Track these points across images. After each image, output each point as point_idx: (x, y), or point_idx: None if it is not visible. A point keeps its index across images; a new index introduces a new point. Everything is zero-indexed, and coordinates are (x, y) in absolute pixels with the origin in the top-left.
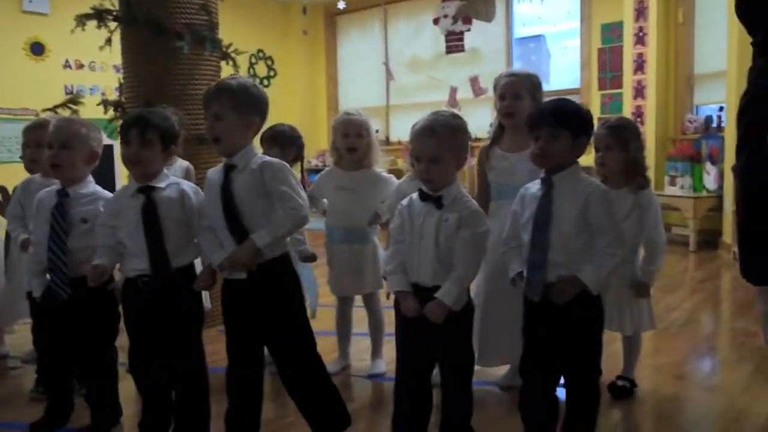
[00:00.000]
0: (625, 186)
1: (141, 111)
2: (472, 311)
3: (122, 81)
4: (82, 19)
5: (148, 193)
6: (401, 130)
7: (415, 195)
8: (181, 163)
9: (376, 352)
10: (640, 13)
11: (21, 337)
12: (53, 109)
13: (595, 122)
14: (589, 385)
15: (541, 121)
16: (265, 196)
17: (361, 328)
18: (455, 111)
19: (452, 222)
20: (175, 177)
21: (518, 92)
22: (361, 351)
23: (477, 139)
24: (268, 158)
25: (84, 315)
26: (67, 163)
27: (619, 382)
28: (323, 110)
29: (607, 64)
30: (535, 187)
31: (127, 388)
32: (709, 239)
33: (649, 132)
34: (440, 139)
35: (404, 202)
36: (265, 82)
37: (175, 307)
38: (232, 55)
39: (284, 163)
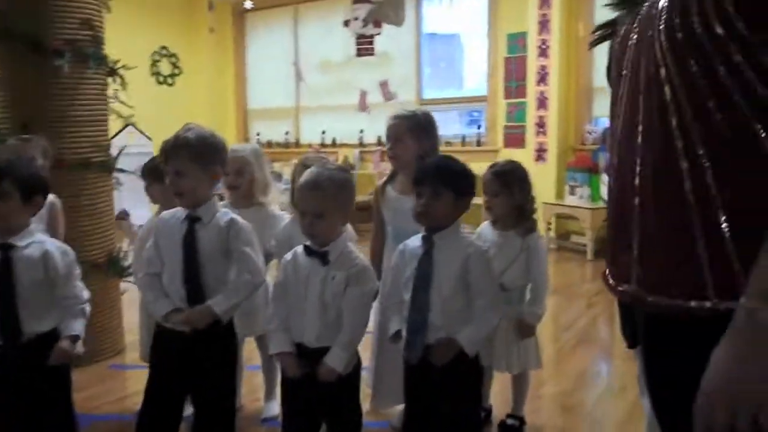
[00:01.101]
0: (513, 229)
1: None
2: (359, 368)
3: None
4: None
5: (5, 251)
6: (311, 132)
7: (300, 249)
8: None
9: (269, 393)
10: (543, 25)
11: None
12: None
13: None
14: None
15: (425, 179)
16: (227, 255)
17: (256, 362)
18: (341, 165)
19: (339, 280)
20: (40, 230)
21: (400, 136)
22: (255, 390)
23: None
24: (233, 216)
25: None
26: None
27: (509, 421)
28: (232, 110)
29: (513, 74)
30: (415, 243)
31: None
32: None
33: (551, 142)
34: (325, 194)
35: (288, 256)
36: (169, 80)
37: (32, 379)
38: (120, 71)
39: (248, 225)
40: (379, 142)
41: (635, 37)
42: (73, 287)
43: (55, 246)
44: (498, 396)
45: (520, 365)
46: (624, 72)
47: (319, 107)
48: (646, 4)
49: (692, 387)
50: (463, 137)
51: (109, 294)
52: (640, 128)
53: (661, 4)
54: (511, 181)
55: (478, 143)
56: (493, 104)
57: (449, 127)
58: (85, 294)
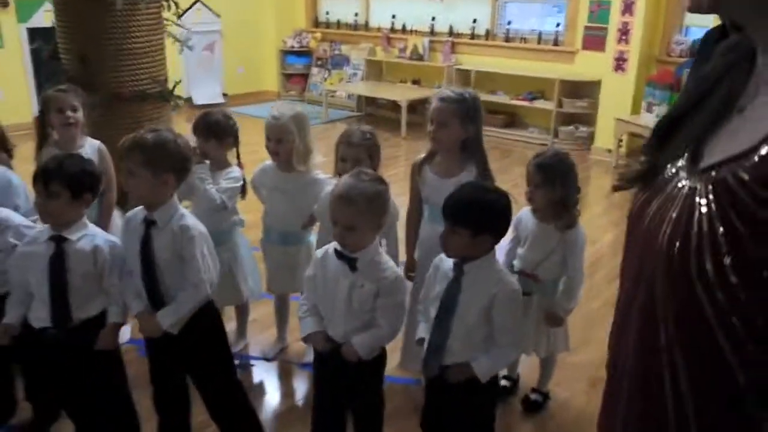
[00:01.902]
0: (552, 221)
1: (47, 162)
2: (384, 360)
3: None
4: None
5: (59, 243)
6: (381, 15)
7: (331, 249)
8: (92, 143)
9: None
10: None
11: None
12: None
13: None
14: None
15: (445, 210)
16: (181, 260)
17: None
18: (377, 174)
19: (368, 290)
20: (89, 227)
21: (446, 120)
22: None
23: (459, 35)
24: (187, 221)
25: None
26: None
27: (532, 396)
28: None
29: None
30: (449, 263)
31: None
32: None
33: (633, 51)
34: (357, 208)
35: (319, 253)
36: None
37: (84, 361)
38: None
39: (202, 230)
40: (451, 32)
41: (651, 213)
42: (117, 278)
43: (104, 239)
44: (525, 366)
45: (548, 349)
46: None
47: None
48: (666, 177)
49: None
50: (540, 34)
51: None
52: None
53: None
54: (553, 175)
55: (555, 42)
56: (575, 1)
57: (525, 21)
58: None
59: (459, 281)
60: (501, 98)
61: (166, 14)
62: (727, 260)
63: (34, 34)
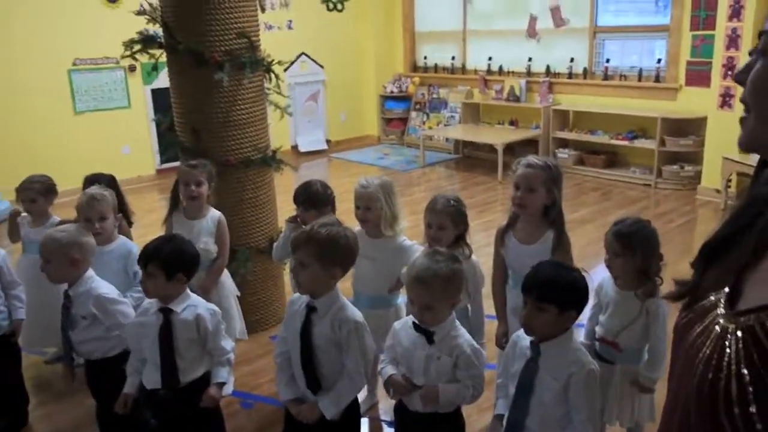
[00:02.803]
0: (634, 289)
1: (147, 245)
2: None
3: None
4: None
5: (166, 315)
6: (478, 58)
7: (409, 322)
8: (213, 214)
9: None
10: None
11: None
12: (131, 55)
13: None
14: None
15: (530, 289)
16: (338, 348)
17: None
18: (453, 254)
19: (446, 363)
20: (195, 300)
21: (534, 186)
22: None
23: (556, 74)
24: (347, 313)
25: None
26: (52, 275)
27: None
28: (399, 33)
29: (701, 2)
30: (526, 341)
31: None
32: None
33: (740, 87)
34: (433, 290)
35: (397, 325)
36: (339, 6)
37: (190, 418)
38: (273, 66)
39: (360, 321)
40: (548, 72)
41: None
42: (219, 341)
43: (205, 308)
44: None
45: (632, 419)
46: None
47: (486, 32)
48: (707, 304)
49: None
50: (640, 71)
51: (271, 272)
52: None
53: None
54: (633, 244)
55: (657, 79)
56: (676, 35)
57: (625, 58)
58: (229, 345)
59: (536, 361)
60: (600, 138)
61: (268, 84)
62: (753, 408)
63: (156, 94)
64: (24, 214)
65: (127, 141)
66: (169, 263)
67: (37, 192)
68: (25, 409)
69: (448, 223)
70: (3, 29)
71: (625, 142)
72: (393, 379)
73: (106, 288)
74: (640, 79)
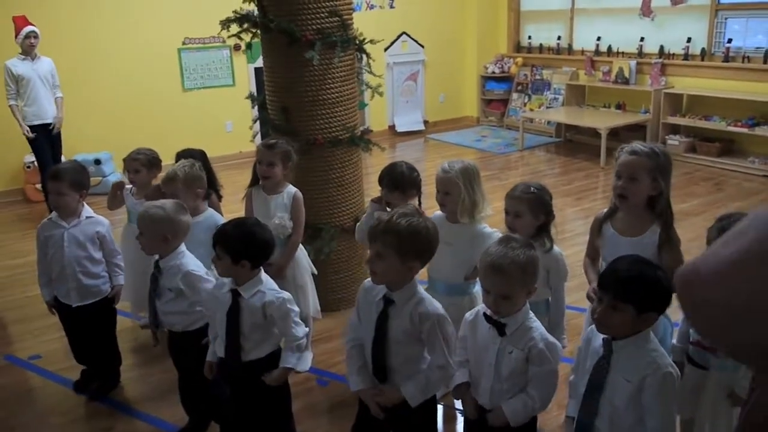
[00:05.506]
0: None
1: (220, 227)
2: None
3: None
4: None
5: (235, 297)
6: (585, 37)
7: (481, 313)
8: (289, 190)
9: None
10: None
11: None
12: (237, 34)
13: None
14: None
15: (607, 286)
16: (418, 343)
17: None
18: (527, 240)
19: (518, 357)
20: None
21: (636, 174)
22: None
23: (671, 55)
24: (426, 307)
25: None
26: (145, 247)
27: None
28: (503, 12)
29: None
30: (600, 338)
31: None
32: None
33: None
34: (510, 278)
35: (469, 316)
36: None
37: (256, 392)
38: (366, 46)
39: (440, 313)
40: (661, 54)
41: None
42: (290, 327)
43: (275, 295)
44: None
45: (727, 429)
46: None
47: (596, 10)
48: None
49: None
50: (766, 52)
51: (356, 251)
52: None
53: None
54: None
55: None
56: None
57: (750, 38)
58: (301, 331)
59: (608, 360)
60: (716, 124)
61: (362, 64)
62: None
63: (258, 73)
64: (128, 186)
65: (230, 118)
66: (235, 249)
67: (141, 164)
68: (117, 370)
69: (524, 210)
70: (122, 10)
71: (744, 129)
72: (466, 403)
73: (194, 264)
74: (765, 62)
